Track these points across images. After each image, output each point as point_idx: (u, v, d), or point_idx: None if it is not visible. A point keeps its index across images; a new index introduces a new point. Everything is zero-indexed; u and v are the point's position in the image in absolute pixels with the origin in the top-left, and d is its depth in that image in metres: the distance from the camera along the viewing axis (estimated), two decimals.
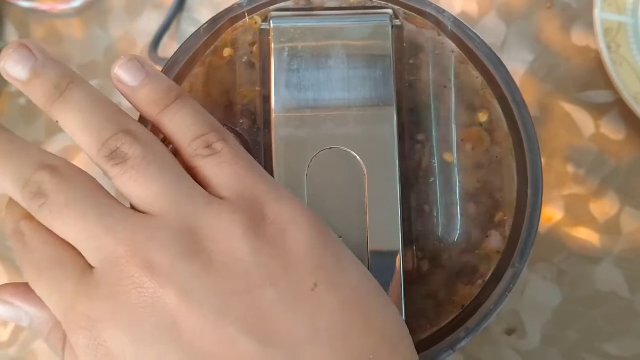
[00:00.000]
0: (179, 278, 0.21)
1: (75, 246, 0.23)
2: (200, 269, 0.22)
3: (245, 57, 0.28)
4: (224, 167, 0.23)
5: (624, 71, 0.47)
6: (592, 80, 0.50)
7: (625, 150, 0.49)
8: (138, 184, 0.23)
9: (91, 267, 0.23)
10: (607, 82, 0.49)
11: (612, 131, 0.49)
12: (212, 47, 0.28)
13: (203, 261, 0.22)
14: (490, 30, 0.51)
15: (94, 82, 0.49)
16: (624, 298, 0.47)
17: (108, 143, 0.23)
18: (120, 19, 0.51)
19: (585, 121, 0.49)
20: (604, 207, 0.48)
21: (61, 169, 0.24)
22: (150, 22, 0.50)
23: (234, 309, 0.21)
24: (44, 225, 0.24)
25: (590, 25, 0.49)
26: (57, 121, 0.25)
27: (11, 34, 0.51)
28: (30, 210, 0.24)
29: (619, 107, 0.49)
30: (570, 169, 0.49)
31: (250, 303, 0.21)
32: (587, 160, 0.49)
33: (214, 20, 0.28)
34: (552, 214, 0.48)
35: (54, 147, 0.49)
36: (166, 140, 0.25)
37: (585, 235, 0.48)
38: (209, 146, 0.24)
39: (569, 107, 0.49)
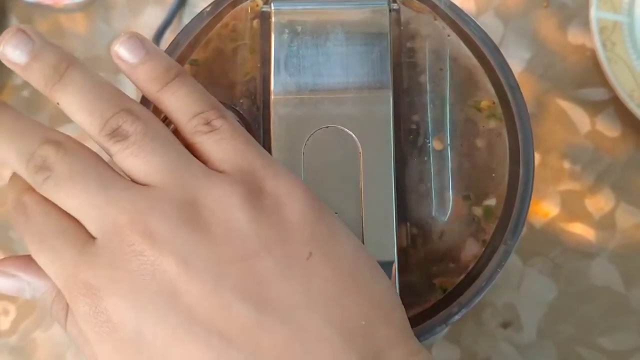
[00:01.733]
0: (178, 246, 0.22)
1: (77, 217, 0.24)
2: (199, 237, 0.22)
3: (247, 39, 0.29)
4: (223, 143, 0.24)
5: (619, 69, 0.48)
6: (588, 78, 0.50)
7: (620, 147, 0.49)
8: (139, 158, 0.23)
9: (93, 238, 0.23)
10: (603, 80, 0.49)
11: (608, 128, 0.50)
12: (215, 28, 0.29)
13: (202, 230, 0.22)
14: (488, 29, 0.51)
15: None
16: (618, 293, 0.48)
17: (110, 122, 0.24)
18: (123, 14, 0.52)
19: (581, 118, 0.50)
20: (599, 203, 0.49)
21: (65, 143, 0.24)
22: (152, 17, 0.51)
23: (231, 276, 0.22)
24: (46, 198, 0.24)
25: (586, 23, 0.50)
26: (57, 103, 0.25)
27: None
28: (34, 183, 0.24)
29: (614, 105, 0.49)
30: (566, 165, 0.49)
31: (247, 270, 0.22)
32: (583, 157, 0.49)
33: (216, 3, 0.29)
34: (548, 209, 0.49)
35: None
36: (166, 121, 0.25)
37: (581, 230, 0.49)
38: (208, 123, 0.24)
39: (565, 104, 0.50)
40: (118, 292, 0.22)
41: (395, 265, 0.26)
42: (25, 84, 0.51)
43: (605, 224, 0.48)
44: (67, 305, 0.24)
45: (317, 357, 0.21)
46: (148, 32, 0.51)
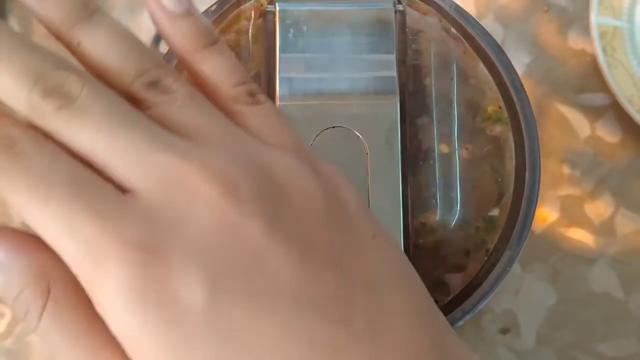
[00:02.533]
0: (264, 208, 0.19)
1: (103, 164, 0.19)
2: (283, 203, 0.20)
3: (251, 39, 0.29)
4: (269, 119, 0.22)
5: (619, 74, 0.48)
6: (588, 83, 0.50)
7: (620, 153, 0.49)
8: (192, 109, 0.20)
9: (123, 191, 0.18)
10: (603, 85, 0.49)
11: (608, 133, 0.49)
12: (219, 27, 0.28)
13: (283, 196, 0.20)
14: None
15: None
16: (617, 299, 0.47)
17: (150, 72, 0.21)
18: (123, 15, 0.51)
19: (581, 123, 0.50)
20: (599, 209, 0.49)
21: (91, 77, 0.20)
22: None
23: (317, 245, 0.20)
24: (47, 137, 0.19)
25: (586, 29, 0.50)
26: (77, 43, 0.21)
27: (14, 28, 0.51)
28: (36, 112, 0.19)
29: (614, 110, 0.49)
30: (566, 170, 0.49)
31: (329, 241, 0.20)
32: (583, 162, 0.49)
33: (221, 2, 0.28)
34: (547, 214, 0.49)
35: None
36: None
37: (580, 236, 0.49)
38: (252, 95, 0.22)
39: (565, 109, 0.50)
40: (187, 255, 0.18)
41: None
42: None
43: (604, 229, 0.48)
44: (48, 291, 0.19)
45: (397, 330, 0.20)
46: (147, 34, 0.50)
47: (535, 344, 0.47)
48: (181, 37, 0.23)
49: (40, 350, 0.47)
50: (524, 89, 0.27)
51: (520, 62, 0.51)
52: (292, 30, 0.27)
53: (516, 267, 0.49)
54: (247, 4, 0.29)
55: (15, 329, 0.47)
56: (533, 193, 0.27)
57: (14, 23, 0.51)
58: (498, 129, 0.28)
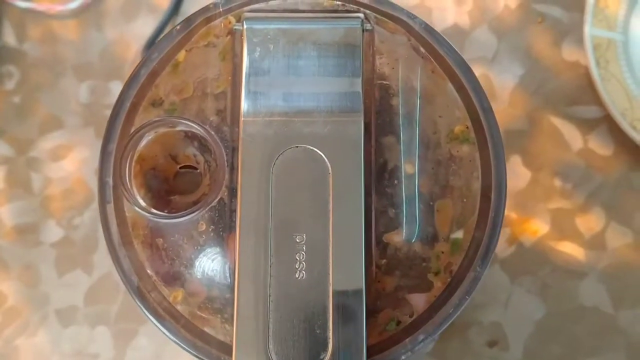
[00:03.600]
0: None
1: None
2: None
3: (218, 57, 0.29)
4: None
5: (612, 87, 0.48)
6: (581, 95, 0.50)
7: (612, 166, 0.49)
8: None
9: None
10: (596, 98, 0.49)
11: (600, 146, 0.49)
12: (186, 46, 0.28)
13: None
14: (481, 44, 0.51)
15: (87, 83, 0.50)
16: (607, 313, 0.47)
17: None
18: (116, 22, 0.52)
19: (573, 136, 0.49)
20: (590, 222, 0.48)
21: None
22: (145, 25, 0.51)
23: None
24: None
25: (580, 40, 0.49)
26: None
27: (8, 33, 0.52)
28: None
29: (607, 123, 0.49)
30: (557, 182, 0.49)
31: None
32: (575, 175, 0.49)
33: (187, 20, 0.28)
34: (537, 227, 0.49)
35: (46, 144, 0.50)
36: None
37: (571, 249, 0.48)
38: None
39: (557, 122, 0.50)
40: None
41: (364, 289, 0.26)
42: (16, 90, 0.51)
43: (595, 243, 0.48)
44: None
45: None
46: (140, 41, 0.51)
47: (522, 358, 0.47)
48: None
49: (27, 354, 0.48)
50: (491, 109, 0.27)
51: (513, 73, 0.50)
52: (258, 49, 0.27)
53: (505, 280, 0.48)
54: (215, 21, 0.29)
55: (4, 333, 0.48)
56: (498, 215, 0.26)
57: (8, 27, 0.51)
58: (465, 149, 0.28)
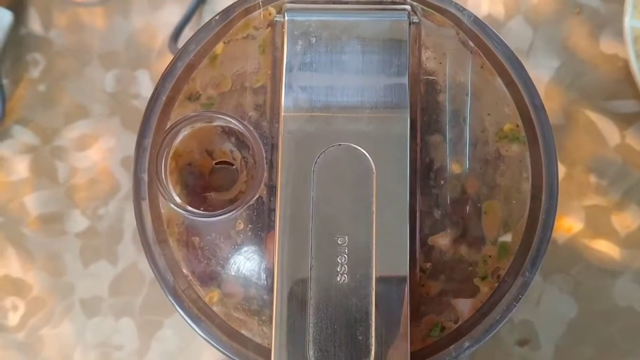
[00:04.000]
0: None
1: None
2: None
3: (257, 50, 0.28)
4: None
5: None
6: (619, 89, 0.48)
7: None
8: None
9: None
10: (635, 92, 0.47)
11: (638, 142, 0.48)
12: (223, 38, 0.27)
13: None
14: (516, 34, 0.50)
15: (113, 72, 0.50)
16: None
17: None
18: (143, 9, 0.51)
19: (610, 131, 0.48)
20: (626, 220, 0.47)
21: None
22: (171, 13, 0.50)
23: None
24: None
25: (619, 32, 0.48)
26: None
27: (34, 21, 0.51)
28: None
29: None
30: (593, 179, 0.48)
31: None
32: (611, 171, 0.48)
33: (226, 11, 0.27)
34: (571, 224, 0.47)
35: (72, 133, 0.49)
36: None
37: (605, 247, 0.47)
38: None
39: (594, 116, 0.48)
40: None
41: (407, 292, 0.25)
42: (42, 78, 0.50)
43: (631, 242, 0.47)
44: None
45: None
46: (167, 29, 0.50)
47: (553, 358, 0.46)
48: None
49: (52, 344, 0.47)
50: (543, 107, 0.26)
51: (548, 65, 0.49)
52: (300, 42, 0.26)
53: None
54: (255, 12, 0.28)
55: (29, 322, 0.48)
56: (550, 217, 0.25)
57: (34, 14, 0.51)
58: (514, 148, 0.26)
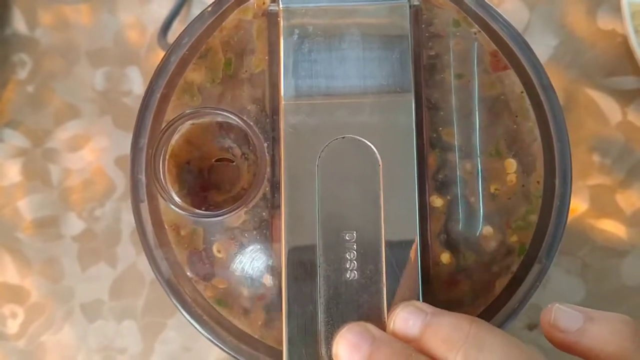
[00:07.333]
0: None
1: None
2: None
3: (253, 41, 0.27)
4: None
5: None
6: (619, 65, 0.48)
7: None
8: None
9: None
10: (635, 68, 0.47)
11: None
12: (217, 30, 0.26)
13: None
14: (513, 14, 0.49)
15: (102, 70, 0.48)
16: None
17: None
18: (130, 4, 0.49)
19: (611, 108, 0.47)
20: (631, 198, 0.46)
21: None
22: (160, 7, 0.49)
23: None
24: None
25: (616, 8, 0.47)
26: None
27: (18, 20, 0.50)
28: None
29: None
30: (596, 158, 0.47)
31: None
32: (614, 149, 0.47)
33: (219, 2, 0.26)
34: (576, 205, 0.47)
35: (63, 135, 0.48)
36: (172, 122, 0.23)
37: (611, 227, 0.46)
38: None
39: (594, 94, 0.47)
40: None
41: (419, 284, 0.24)
42: (29, 79, 0.49)
43: (637, 220, 0.46)
44: None
45: None
46: (155, 24, 0.49)
47: None
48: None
49: (54, 350, 0.47)
50: (552, 86, 0.25)
51: (546, 44, 0.48)
52: (297, 31, 0.25)
53: None
54: (249, 2, 0.26)
55: (29, 329, 0.47)
56: (564, 202, 0.25)
57: (18, 13, 0.49)
58: (524, 131, 0.26)
